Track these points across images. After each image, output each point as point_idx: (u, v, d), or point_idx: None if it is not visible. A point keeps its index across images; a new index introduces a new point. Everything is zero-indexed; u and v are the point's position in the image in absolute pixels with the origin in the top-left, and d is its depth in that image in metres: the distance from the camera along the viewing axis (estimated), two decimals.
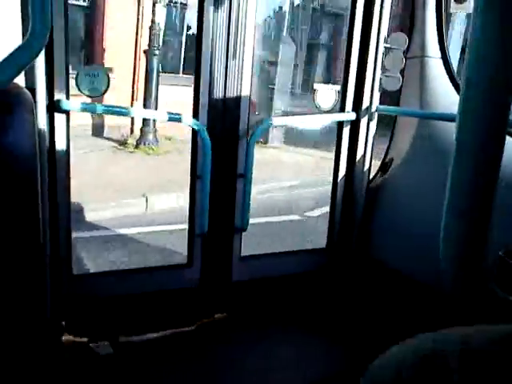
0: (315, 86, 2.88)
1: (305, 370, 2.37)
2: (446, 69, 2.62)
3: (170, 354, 2.39)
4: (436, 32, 2.61)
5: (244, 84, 2.59)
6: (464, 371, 0.83)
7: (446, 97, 2.60)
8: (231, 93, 2.58)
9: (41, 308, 1.76)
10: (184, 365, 2.32)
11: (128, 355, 2.34)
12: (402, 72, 2.76)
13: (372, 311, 2.86)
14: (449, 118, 2.39)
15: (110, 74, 2.17)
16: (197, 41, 2.47)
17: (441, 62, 2.63)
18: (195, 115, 2.52)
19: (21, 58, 1.49)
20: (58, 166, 2.22)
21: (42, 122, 1.99)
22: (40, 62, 1.94)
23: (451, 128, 1.09)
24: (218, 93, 2.55)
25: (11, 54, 1.45)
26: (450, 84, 2.59)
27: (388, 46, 2.74)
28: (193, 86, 2.52)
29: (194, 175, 2.60)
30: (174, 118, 2.47)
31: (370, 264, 2.95)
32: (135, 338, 2.47)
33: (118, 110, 2.34)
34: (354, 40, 2.80)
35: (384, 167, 2.99)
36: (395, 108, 2.95)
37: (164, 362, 2.32)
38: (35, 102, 1.89)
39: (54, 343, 2.25)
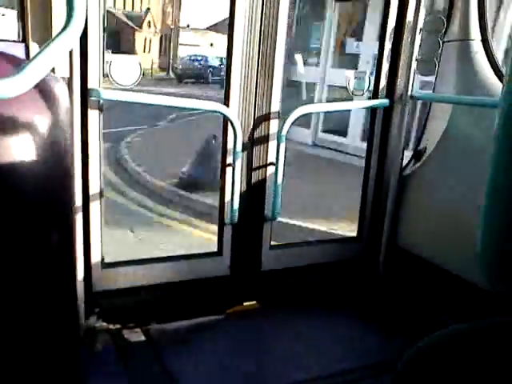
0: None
1: (336, 357, 2.36)
2: (486, 52, 2.52)
3: (200, 341, 2.41)
4: (477, 13, 2.51)
5: (276, 71, 2.56)
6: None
7: (485, 82, 2.50)
8: (262, 80, 2.55)
9: (73, 296, 1.78)
10: (214, 352, 2.34)
11: (159, 342, 2.36)
12: (439, 56, 2.68)
13: (403, 300, 2.82)
14: (489, 104, 2.30)
15: None
16: (229, 28, 2.44)
17: (481, 45, 2.53)
18: (227, 104, 2.50)
19: (56, 48, 1.49)
20: (90, 153, 2.24)
21: (76, 110, 2.01)
22: (75, 51, 1.95)
23: (489, 114, 1.04)
24: (250, 81, 2.52)
25: (47, 44, 1.45)
26: (490, 68, 2.50)
27: (424, 29, 2.65)
28: (224, 75, 2.51)
29: (225, 163, 2.60)
30: (206, 107, 2.46)
31: (401, 253, 2.90)
32: (166, 325, 2.49)
33: (151, 99, 2.34)
34: (388, 23, 2.72)
35: (417, 155, 2.92)
36: (431, 94, 2.87)
37: (194, 348, 2.34)
38: (70, 90, 1.90)
39: (87, 330, 2.29)
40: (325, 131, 10.18)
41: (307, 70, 10.51)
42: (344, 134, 9.79)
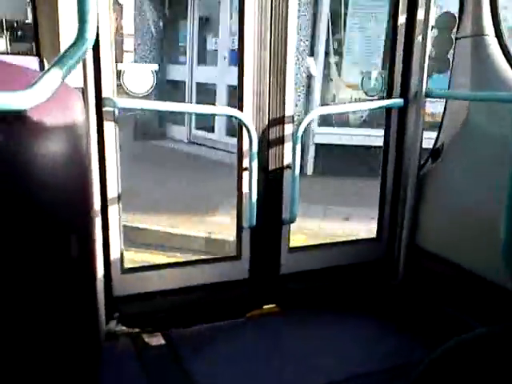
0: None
1: (356, 360, 2.34)
2: (500, 47, 2.48)
3: (219, 344, 2.41)
4: (489, 8, 2.48)
5: (288, 74, 2.57)
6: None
7: (500, 77, 2.46)
8: (276, 84, 2.57)
9: (93, 301, 1.82)
10: (234, 355, 2.34)
11: (179, 346, 2.38)
12: (452, 53, 2.65)
13: (424, 302, 2.78)
14: (506, 99, 2.27)
15: None
16: (239, 32, 2.46)
17: (495, 40, 2.50)
18: (240, 108, 2.52)
19: (69, 58, 1.53)
20: (107, 163, 2.29)
21: (91, 120, 2.05)
22: (88, 61, 1.99)
23: (507, 109, 1.03)
24: (263, 84, 2.54)
25: (61, 56, 1.49)
26: (506, 63, 2.46)
27: (436, 26, 2.63)
28: (237, 78, 2.53)
29: (241, 167, 2.61)
30: (221, 112, 2.48)
31: (422, 253, 2.86)
32: (186, 329, 2.51)
33: (164, 106, 2.37)
34: (399, 22, 2.70)
35: (435, 154, 2.89)
36: (446, 91, 2.83)
37: (214, 352, 2.35)
38: (84, 100, 1.95)
39: (107, 334, 2.33)
40: (198, 128, 10.22)
41: (178, 68, 10.59)
42: (212, 129, 9.90)
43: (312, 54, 7.14)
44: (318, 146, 7.46)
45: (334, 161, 6.88)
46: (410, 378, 0.99)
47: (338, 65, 7.03)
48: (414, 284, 2.91)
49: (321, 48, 7.09)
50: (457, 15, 2.55)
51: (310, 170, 7.63)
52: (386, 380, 2.20)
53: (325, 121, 7.18)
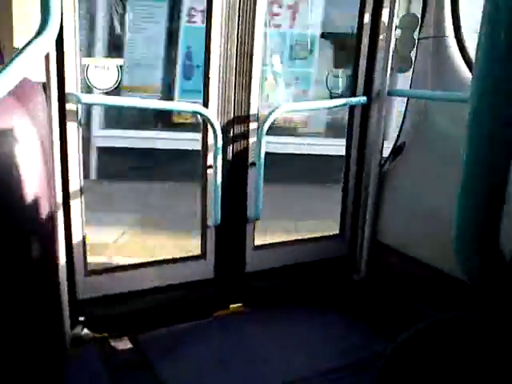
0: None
1: (324, 356, 2.37)
2: (459, 48, 2.56)
3: (187, 346, 2.38)
4: (450, 10, 2.55)
5: (254, 71, 2.55)
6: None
7: (459, 78, 2.55)
8: (240, 81, 2.55)
9: (57, 304, 1.75)
10: (202, 356, 2.32)
11: (146, 349, 2.33)
12: (414, 53, 2.71)
13: (387, 296, 2.85)
14: (462, 100, 2.34)
15: None
16: (206, 28, 2.43)
17: (454, 41, 2.58)
18: (205, 105, 2.49)
19: (32, 52, 1.46)
20: (69, 160, 2.20)
21: (54, 116, 1.97)
22: (51, 55, 1.90)
23: (465, 110, 1.06)
24: (228, 81, 2.51)
25: (22, 48, 1.42)
26: (464, 64, 2.54)
27: (399, 26, 2.69)
28: (203, 75, 2.49)
29: (205, 165, 2.58)
30: (185, 108, 2.44)
31: (383, 249, 2.93)
32: (153, 332, 2.46)
33: (129, 102, 2.31)
34: (364, 21, 2.75)
35: (396, 152, 2.96)
36: (406, 90, 2.91)
37: (182, 354, 2.32)
38: (46, 95, 1.86)
39: (72, 339, 2.25)
40: None
41: None
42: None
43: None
44: None
45: None
46: (375, 369, 1.01)
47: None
48: (376, 279, 2.98)
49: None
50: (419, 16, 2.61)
51: None
52: (353, 374, 2.23)
53: None
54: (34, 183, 1.55)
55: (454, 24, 2.57)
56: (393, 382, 0.94)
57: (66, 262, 2.14)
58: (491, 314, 0.99)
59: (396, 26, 2.66)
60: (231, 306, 2.76)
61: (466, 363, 0.87)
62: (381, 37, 2.73)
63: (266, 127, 2.58)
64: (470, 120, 0.99)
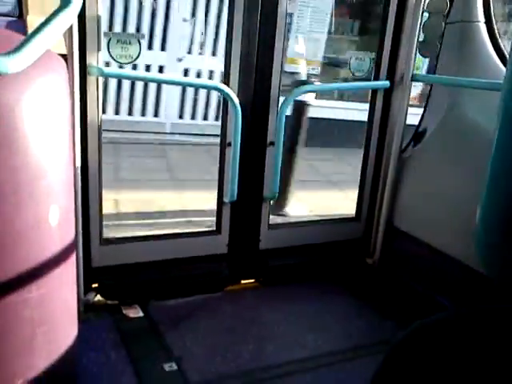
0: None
1: (334, 336, 2.40)
2: (489, 34, 2.49)
3: (198, 318, 2.44)
4: None
5: (276, 51, 2.53)
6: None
7: (487, 64, 2.48)
8: (263, 59, 2.53)
9: (72, 271, 1.81)
10: (212, 329, 2.37)
11: (157, 318, 2.39)
12: (441, 38, 2.65)
13: (400, 281, 2.85)
14: (490, 87, 2.29)
15: None
16: (229, 6, 2.41)
17: (484, 26, 2.50)
18: (226, 82, 2.49)
19: (55, 25, 1.48)
20: (89, 129, 2.24)
21: (75, 86, 2.00)
22: (73, 28, 1.93)
23: (491, 97, 1.04)
24: (250, 59, 2.50)
25: (46, 21, 1.44)
26: (493, 51, 2.47)
27: (427, 9, 2.62)
28: (224, 53, 2.49)
29: (224, 142, 2.59)
30: (206, 85, 2.44)
31: (399, 234, 2.92)
32: (165, 302, 2.52)
33: (149, 76, 2.32)
34: (390, 4, 2.69)
35: (417, 137, 2.92)
36: (432, 76, 2.85)
37: (192, 325, 2.37)
38: (68, 67, 1.89)
39: (85, 305, 2.33)
40: None
41: None
42: None
43: None
44: None
45: None
46: (384, 355, 1.02)
47: None
48: (389, 264, 2.98)
49: None
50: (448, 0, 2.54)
51: None
52: (358, 357, 2.26)
53: None
54: (54, 153, 1.59)
55: (484, 9, 2.49)
56: (395, 374, 0.95)
57: (83, 230, 2.20)
58: (502, 311, 0.99)
59: (423, 9, 2.60)
60: (243, 281, 2.81)
61: (474, 359, 0.87)
62: (407, 20, 2.67)
63: (286, 107, 2.57)
64: (501, 109, 0.97)
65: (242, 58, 2.48)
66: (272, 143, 2.65)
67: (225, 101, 2.53)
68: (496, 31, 2.49)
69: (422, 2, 2.59)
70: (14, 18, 1.86)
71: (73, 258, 1.80)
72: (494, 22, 2.48)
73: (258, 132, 2.65)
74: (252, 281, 2.84)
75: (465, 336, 0.90)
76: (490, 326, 0.90)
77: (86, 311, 2.30)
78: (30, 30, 1.48)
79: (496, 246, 1.17)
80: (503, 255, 1.18)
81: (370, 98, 2.94)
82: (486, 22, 2.50)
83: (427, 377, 0.87)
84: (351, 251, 3.08)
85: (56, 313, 1.67)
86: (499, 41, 2.48)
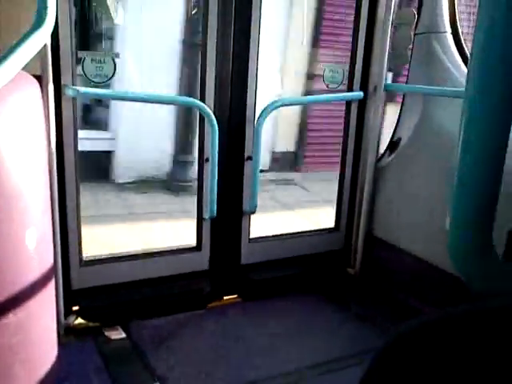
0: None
1: (318, 348, 2.39)
2: (456, 44, 2.56)
3: (181, 336, 2.41)
4: (447, 5, 2.55)
5: (251, 66, 2.56)
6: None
7: (455, 73, 2.55)
8: (238, 75, 2.55)
9: (51, 294, 1.77)
10: (195, 347, 2.34)
11: (140, 339, 2.36)
12: (410, 49, 2.72)
13: (381, 290, 2.87)
14: (458, 95, 2.35)
15: None
16: (203, 22, 2.43)
17: (451, 37, 2.58)
18: (202, 98, 2.50)
19: (28, 45, 1.47)
20: (65, 150, 2.22)
21: (50, 107, 1.98)
22: (46, 49, 1.91)
23: (461, 105, 1.07)
24: (225, 75, 2.52)
25: (19, 42, 1.43)
26: (461, 60, 2.55)
27: (396, 22, 2.69)
28: (200, 68, 2.50)
29: (202, 158, 2.59)
30: (182, 102, 2.45)
31: (378, 243, 2.95)
32: (147, 321, 2.48)
33: (124, 95, 2.32)
34: (361, 17, 2.75)
35: (392, 146, 2.97)
36: (403, 85, 2.92)
37: (175, 344, 2.34)
38: (42, 88, 1.87)
39: (66, 328, 2.28)
40: None
41: None
42: None
43: None
44: None
45: None
46: (368, 363, 1.03)
47: None
48: (370, 273, 3.00)
49: None
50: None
51: None
52: (345, 367, 2.26)
53: None
54: (30, 174, 1.57)
55: (450, 20, 2.57)
56: (384, 378, 0.95)
57: (62, 252, 2.16)
58: (484, 311, 1.00)
59: (392, 22, 2.67)
60: (226, 297, 2.79)
61: (457, 362, 0.88)
62: (377, 33, 2.73)
63: (262, 122, 2.59)
64: (463, 115, 0.99)
65: (217, 75, 2.49)
66: (250, 158, 2.66)
67: (201, 117, 2.54)
68: (462, 41, 2.57)
69: (391, 15, 2.66)
70: None
71: (52, 281, 1.77)
72: (460, 32, 2.56)
73: (236, 147, 2.65)
74: (234, 296, 2.82)
75: (450, 338, 0.91)
76: (476, 328, 0.91)
77: (66, 334, 2.25)
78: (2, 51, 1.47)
79: (466, 249, 1.20)
80: (474, 257, 1.21)
81: (345, 110, 2.98)
82: (452, 32, 2.58)
83: (414, 381, 0.88)
84: (332, 262, 3.10)
85: (35, 338, 1.63)
86: (466, 50, 2.55)
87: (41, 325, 1.67)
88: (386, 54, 2.71)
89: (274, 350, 2.35)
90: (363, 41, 2.79)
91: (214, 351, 2.32)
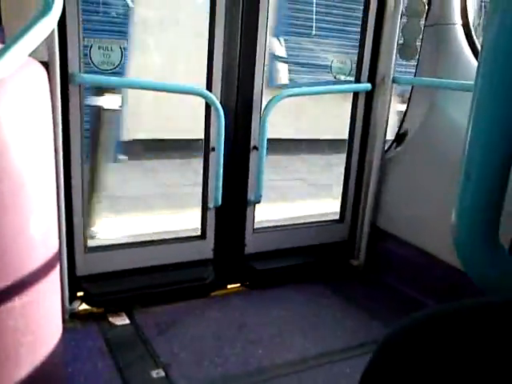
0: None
1: (321, 338, 2.40)
2: (466, 36, 2.54)
3: (184, 324, 2.43)
4: None
5: (258, 55, 2.55)
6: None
7: (465, 66, 2.53)
8: (245, 64, 2.54)
9: (57, 280, 1.79)
10: (198, 335, 2.36)
11: (143, 325, 2.38)
12: (420, 41, 2.69)
13: (385, 282, 2.88)
14: (468, 88, 2.33)
15: None
16: (210, 10, 2.42)
17: (461, 29, 2.55)
18: (208, 87, 2.49)
19: (35, 31, 1.47)
20: (72, 138, 2.22)
21: (57, 94, 1.98)
22: (53, 36, 1.91)
23: (470, 98, 1.06)
24: (232, 64, 2.51)
25: (24, 29, 1.42)
26: (471, 52, 2.52)
27: (405, 13, 2.66)
28: (206, 57, 2.49)
29: (208, 147, 2.59)
30: (188, 90, 2.45)
31: (383, 235, 2.95)
32: (150, 308, 2.51)
33: (131, 82, 2.31)
34: (370, 8, 2.72)
35: (399, 139, 2.96)
36: (412, 78, 2.89)
37: (178, 331, 2.36)
38: (49, 75, 1.87)
39: (70, 314, 2.30)
40: None
41: None
42: None
43: None
44: None
45: None
46: (372, 355, 1.03)
47: None
48: (374, 265, 3.00)
49: None
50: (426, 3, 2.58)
51: None
52: (346, 358, 2.26)
53: None
54: (36, 162, 1.57)
55: (461, 11, 2.54)
56: (385, 372, 0.95)
57: (67, 238, 2.18)
58: (489, 305, 1.00)
59: (402, 13, 2.64)
60: (229, 286, 2.81)
61: (461, 356, 0.88)
62: (386, 23, 2.71)
63: (268, 112, 2.58)
64: (472, 108, 0.98)
65: (224, 64, 2.48)
66: (255, 147, 2.66)
67: (207, 106, 2.53)
68: (473, 33, 2.54)
69: (401, 6, 2.63)
70: None
71: (57, 267, 1.78)
72: (470, 24, 2.53)
73: (242, 136, 2.65)
74: (238, 285, 2.84)
75: (454, 331, 0.91)
76: (481, 321, 0.91)
77: (71, 320, 2.28)
78: (8, 37, 1.46)
79: (472, 243, 1.19)
80: (480, 253, 1.21)
81: (352, 101, 2.96)
82: (462, 24, 2.55)
83: (417, 374, 0.88)
84: (336, 253, 3.10)
85: (41, 322, 1.65)
86: (476, 42, 2.52)
87: (46, 309, 1.68)
88: (395, 45, 2.69)
89: (277, 340, 2.37)
90: (372, 32, 2.76)
91: (218, 339, 2.34)
